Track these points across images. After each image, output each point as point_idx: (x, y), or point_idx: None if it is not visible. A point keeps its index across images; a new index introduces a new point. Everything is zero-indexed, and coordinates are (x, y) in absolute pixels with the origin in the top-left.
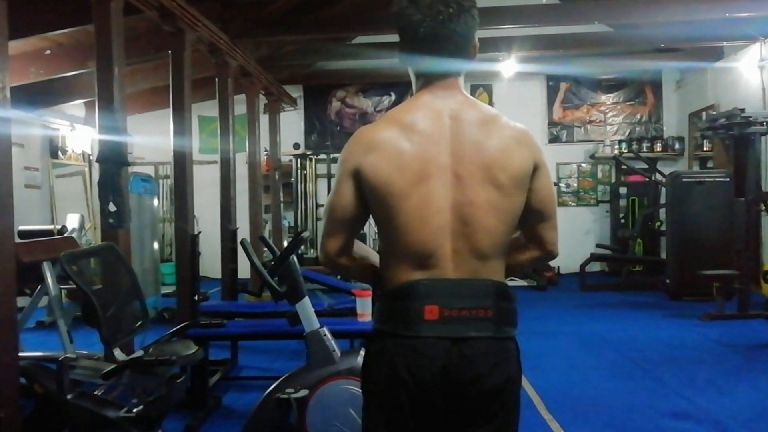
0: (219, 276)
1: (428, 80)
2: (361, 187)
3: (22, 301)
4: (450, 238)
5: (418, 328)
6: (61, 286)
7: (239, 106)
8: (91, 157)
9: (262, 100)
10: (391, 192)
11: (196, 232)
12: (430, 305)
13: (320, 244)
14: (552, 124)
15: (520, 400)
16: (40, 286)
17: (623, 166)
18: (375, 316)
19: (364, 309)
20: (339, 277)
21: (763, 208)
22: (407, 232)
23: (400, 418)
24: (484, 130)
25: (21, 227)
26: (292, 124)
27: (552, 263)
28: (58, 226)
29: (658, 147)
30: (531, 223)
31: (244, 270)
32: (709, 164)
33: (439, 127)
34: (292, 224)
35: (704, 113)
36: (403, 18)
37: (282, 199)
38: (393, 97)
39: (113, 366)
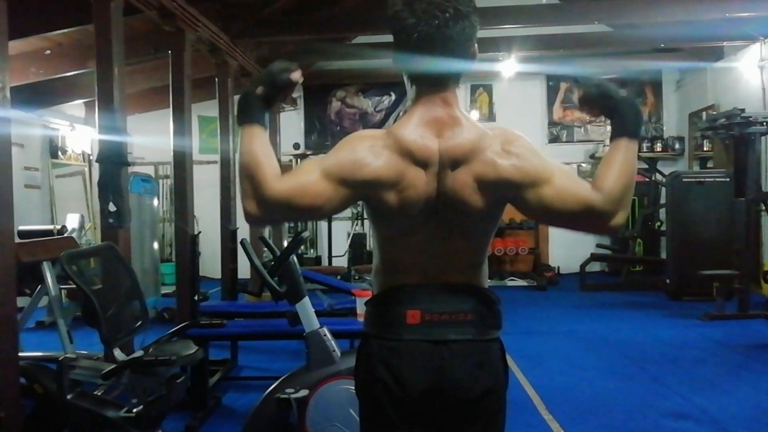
0: (219, 276)
1: (422, 92)
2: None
3: (22, 301)
4: (430, 255)
5: (400, 332)
6: (61, 286)
7: None
8: (91, 157)
9: None
10: (381, 211)
11: (196, 232)
12: (412, 310)
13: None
14: (552, 124)
15: (505, 401)
16: (40, 286)
17: None
18: (364, 320)
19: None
20: (338, 277)
21: (763, 208)
22: (391, 248)
23: (384, 419)
24: (466, 168)
25: (21, 227)
26: (292, 124)
27: (552, 263)
28: (58, 226)
29: (658, 147)
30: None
31: (244, 270)
32: (709, 164)
33: (435, 159)
34: (292, 224)
35: (704, 113)
36: (398, 21)
37: None
38: (393, 97)
39: (113, 366)
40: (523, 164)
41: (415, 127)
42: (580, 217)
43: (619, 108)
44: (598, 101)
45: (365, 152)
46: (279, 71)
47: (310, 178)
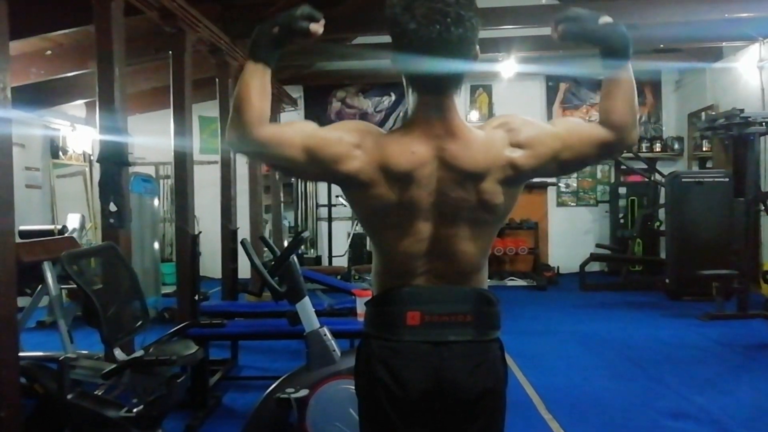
0: (219, 276)
1: (422, 98)
2: (343, 180)
3: (22, 301)
4: (431, 259)
5: (400, 333)
6: (62, 286)
7: None
8: (92, 157)
9: None
10: (377, 216)
11: (196, 232)
12: (412, 311)
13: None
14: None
15: (505, 400)
16: (40, 286)
17: (623, 167)
18: (364, 320)
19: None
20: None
21: (762, 208)
22: (391, 251)
23: (384, 419)
24: (489, 179)
25: (22, 227)
26: None
27: (551, 263)
28: (59, 226)
29: (658, 147)
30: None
31: (244, 270)
32: (709, 164)
33: (428, 171)
34: (293, 224)
35: (703, 113)
36: (397, 26)
37: (282, 199)
38: (393, 97)
39: (114, 366)
40: (537, 150)
41: (407, 140)
42: (602, 154)
43: (603, 35)
44: (580, 35)
45: (348, 147)
46: (301, 16)
47: (292, 140)
